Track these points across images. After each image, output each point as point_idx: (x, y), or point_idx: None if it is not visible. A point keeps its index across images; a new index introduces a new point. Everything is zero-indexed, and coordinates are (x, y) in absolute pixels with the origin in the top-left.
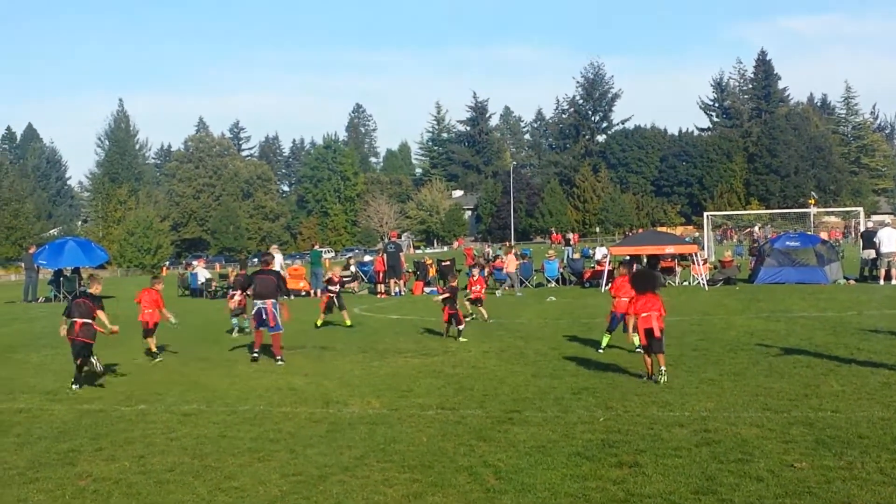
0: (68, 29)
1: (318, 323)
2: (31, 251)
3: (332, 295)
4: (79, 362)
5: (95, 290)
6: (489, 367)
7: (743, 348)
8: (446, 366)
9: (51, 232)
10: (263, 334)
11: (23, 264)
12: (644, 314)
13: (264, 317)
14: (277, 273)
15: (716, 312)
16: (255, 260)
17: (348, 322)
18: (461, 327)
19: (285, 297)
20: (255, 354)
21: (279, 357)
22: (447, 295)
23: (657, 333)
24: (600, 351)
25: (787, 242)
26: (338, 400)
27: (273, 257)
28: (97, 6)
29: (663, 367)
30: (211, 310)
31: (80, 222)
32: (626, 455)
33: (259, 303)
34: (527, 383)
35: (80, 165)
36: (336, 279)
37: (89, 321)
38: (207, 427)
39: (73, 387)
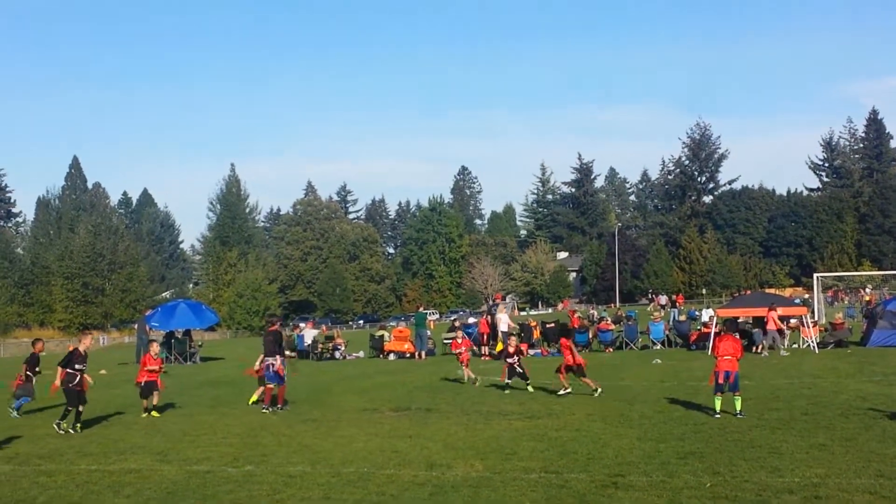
0: (182, 97)
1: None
2: (145, 314)
3: (510, 364)
4: None
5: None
6: (593, 430)
7: (855, 413)
8: (550, 429)
9: (163, 294)
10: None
11: (136, 326)
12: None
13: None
14: (276, 333)
15: (826, 376)
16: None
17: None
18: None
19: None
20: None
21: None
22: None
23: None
24: (716, 416)
25: None
26: (441, 462)
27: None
28: (209, 76)
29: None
30: (317, 371)
31: (191, 285)
32: None
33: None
34: (631, 447)
35: (192, 229)
36: (512, 349)
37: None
38: (312, 489)
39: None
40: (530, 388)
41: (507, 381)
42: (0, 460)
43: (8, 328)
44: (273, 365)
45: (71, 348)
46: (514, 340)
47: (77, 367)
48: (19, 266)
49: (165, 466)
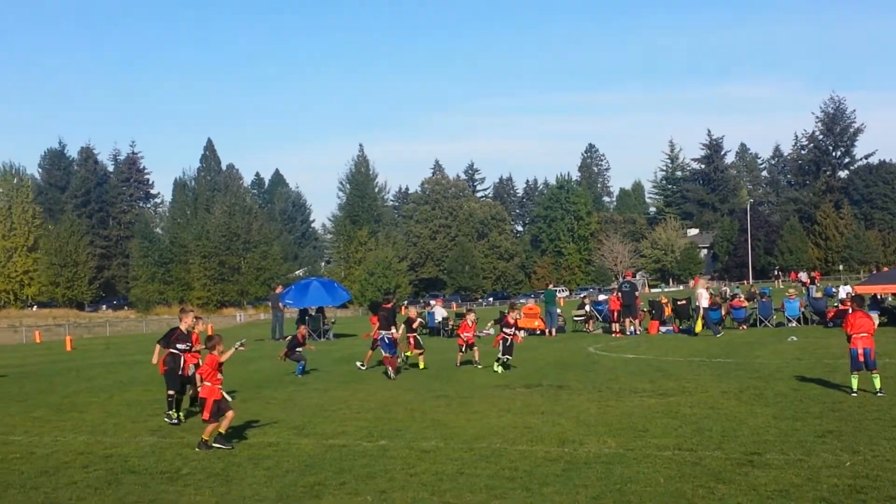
0: (312, 80)
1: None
2: (277, 291)
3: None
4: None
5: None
6: (727, 407)
7: None
8: (683, 406)
9: (296, 273)
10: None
11: (270, 304)
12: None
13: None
14: (390, 310)
15: None
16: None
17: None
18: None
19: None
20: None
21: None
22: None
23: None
24: (853, 394)
25: None
26: (574, 439)
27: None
28: (339, 58)
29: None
30: (448, 348)
31: (323, 263)
32: (875, 502)
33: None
34: (767, 425)
35: (323, 209)
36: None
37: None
38: (445, 464)
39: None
40: (496, 368)
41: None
42: (145, 432)
43: (149, 305)
44: (388, 337)
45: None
46: (514, 314)
47: (179, 347)
48: (159, 245)
49: (303, 440)
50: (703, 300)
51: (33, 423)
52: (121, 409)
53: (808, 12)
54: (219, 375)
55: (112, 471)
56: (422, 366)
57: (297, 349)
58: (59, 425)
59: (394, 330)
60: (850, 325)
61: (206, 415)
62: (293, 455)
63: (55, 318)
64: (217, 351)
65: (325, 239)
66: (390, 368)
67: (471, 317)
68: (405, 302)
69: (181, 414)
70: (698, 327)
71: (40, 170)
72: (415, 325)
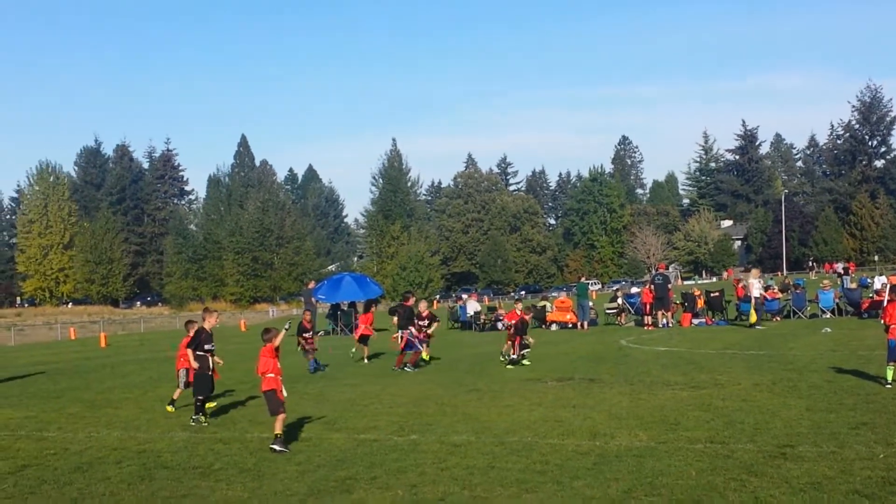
0: (347, 75)
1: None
2: (310, 286)
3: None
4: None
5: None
6: (760, 400)
7: None
8: (715, 398)
9: (329, 268)
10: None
11: (302, 298)
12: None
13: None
14: (408, 308)
15: None
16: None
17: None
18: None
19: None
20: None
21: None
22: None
23: None
24: (888, 385)
25: None
26: (605, 432)
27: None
28: (373, 53)
29: None
30: (480, 342)
31: (355, 258)
32: None
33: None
34: (800, 417)
35: (355, 203)
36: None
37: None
38: (476, 458)
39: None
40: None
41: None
42: (177, 428)
43: (183, 301)
44: (410, 334)
45: (195, 328)
46: (519, 307)
47: (207, 347)
48: (192, 242)
49: (334, 434)
50: (756, 290)
51: (68, 419)
52: (154, 404)
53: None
54: (278, 365)
55: (145, 466)
56: (425, 357)
57: (305, 335)
58: (93, 421)
59: (411, 329)
60: (890, 316)
61: (277, 409)
62: (325, 450)
63: (90, 314)
64: (274, 342)
65: (358, 234)
66: (411, 361)
67: (518, 306)
68: (437, 296)
69: (207, 418)
70: (753, 317)
71: (76, 168)
72: (424, 320)
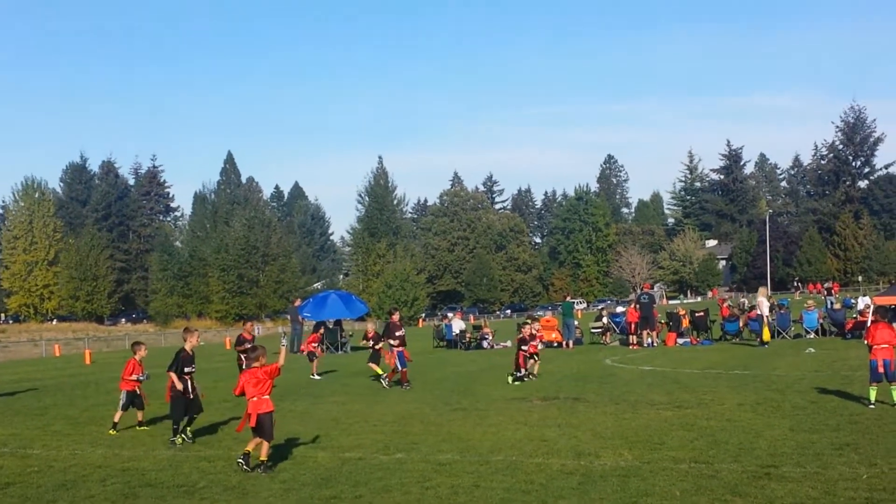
0: (332, 92)
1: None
2: (296, 304)
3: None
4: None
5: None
6: (744, 420)
7: None
8: (700, 418)
9: (315, 285)
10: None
11: (288, 316)
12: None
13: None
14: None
15: None
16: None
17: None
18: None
19: None
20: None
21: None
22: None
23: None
24: (871, 406)
25: None
26: (590, 451)
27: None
28: (358, 70)
29: None
30: (465, 360)
31: (341, 276)
32: None
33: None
34: (784, 437)
35: (341, 221)
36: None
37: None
38: (461, 476)
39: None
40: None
41: (525, 370)
42: (162, 446)
43: (168, 318)
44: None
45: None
46: (527, 328)
47: (186, 370)
48: (178, 259)
49: (319, 453)
50: (765, 308)
51: (52, 436)
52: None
53: (829, 21)
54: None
55: (129, 484)
56: (378, 372)
57: (244, 345)
58: (77, 439)
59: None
60: (872, 336)
61: (263, 434)
62: (309, 468)
63: (75, 331)
64: (260, 363)
65: (344, 251)
66: (402, 379)
67: (535, 325)
68: (422, 314)
69: (188, 434)
70: (766, 335)
71: (62, 184)
72: (370, 340)
